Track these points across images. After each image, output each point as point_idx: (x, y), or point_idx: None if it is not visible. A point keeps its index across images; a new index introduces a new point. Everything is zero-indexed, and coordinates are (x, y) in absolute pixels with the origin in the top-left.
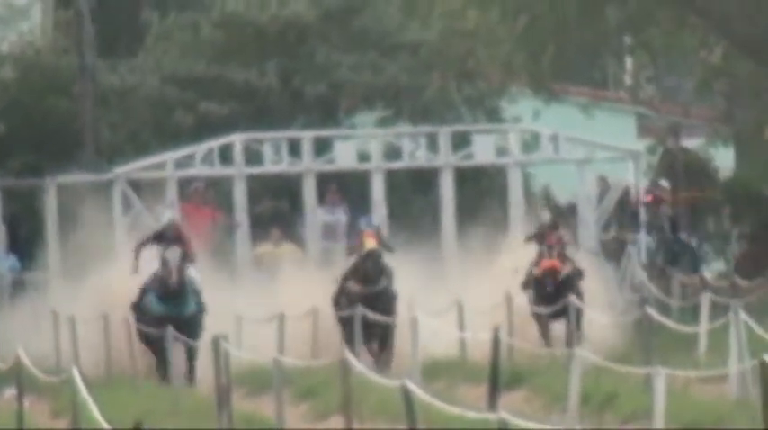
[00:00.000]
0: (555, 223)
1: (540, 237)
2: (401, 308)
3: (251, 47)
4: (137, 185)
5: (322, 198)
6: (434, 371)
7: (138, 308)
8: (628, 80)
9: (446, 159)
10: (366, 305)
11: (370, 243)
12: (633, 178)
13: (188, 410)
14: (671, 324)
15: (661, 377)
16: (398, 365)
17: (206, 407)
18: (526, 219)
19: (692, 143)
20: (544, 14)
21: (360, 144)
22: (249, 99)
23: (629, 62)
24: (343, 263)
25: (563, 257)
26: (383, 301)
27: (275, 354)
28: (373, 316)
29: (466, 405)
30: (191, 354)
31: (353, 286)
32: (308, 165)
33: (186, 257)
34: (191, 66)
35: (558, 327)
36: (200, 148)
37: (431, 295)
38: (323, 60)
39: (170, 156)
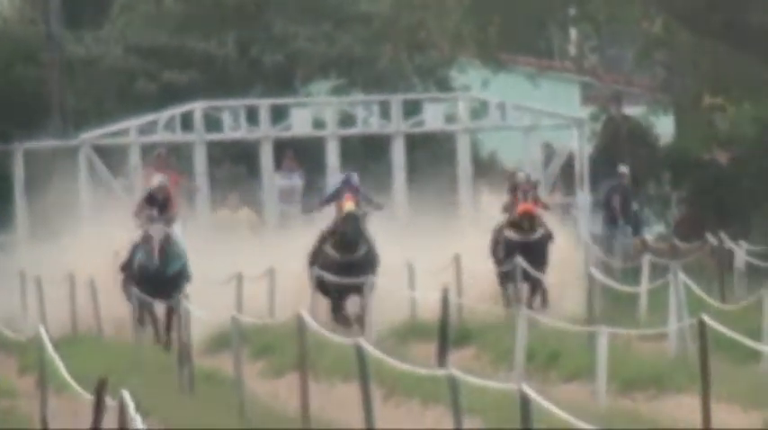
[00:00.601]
0: (529, 180)
1: (513, 189)
2: None
3: (211, 18)
4: (101, 151)
5: (279, 163)
6: (387, 330)
7: (128, 266)
8: (572, 50)
9: (398, 126)
10: (345, 273)
11: (349, 205)
12: (577, 144)
13: (150, 367)
14: (614, 284)
15: (604, 335)
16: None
17: (168, 364)
18: (474, 183)
19: (633, 111)
20: None
21: (315, 111)
22: (209, 68)
23: (573, 33)
24: (299, 226)
25: (537, 204)
26: (364, 269)
27: (233, 313)
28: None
29: (417, 362)
30: (170, 313)
31: (332, 252)
32: (266, 131)
33: (170, 221)
34: (153, 36)
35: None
36: (162, 116)
37: (383, 257)
38: (280, 31)
39: (133, 122)
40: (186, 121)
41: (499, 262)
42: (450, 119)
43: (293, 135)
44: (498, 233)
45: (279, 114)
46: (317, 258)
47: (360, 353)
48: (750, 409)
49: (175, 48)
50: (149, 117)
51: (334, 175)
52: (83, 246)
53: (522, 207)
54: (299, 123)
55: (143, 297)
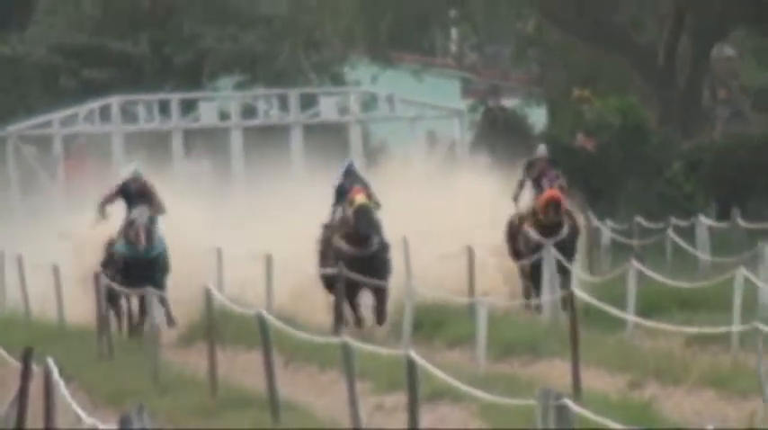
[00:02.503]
0: (552, 159)
1: (531, 167)
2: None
3: (126, 20)
4: (27, 142)
5: (189, 151)
6: (288, 303)
7: (108, 263)
8: (453, 48)
9: (295, 118)
10: (359, 268)
11: (359, 198)
12: (458, 133)
13: (72, 338)
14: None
15: (483, 306)
16: (257, 295)
17: (88, 334)
18: (366, 169)
19: (509, 103)
20: None
21: (221, 104)
22: (125, 66)
23: (454, 32)
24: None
25: (564, 191)
26: (377, 263)
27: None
28: (366, 279)
29: (314, 332)
30: (162, 299)
31: (345, 246)
32: (176, 123)
33: (155, 211)
34: (74, 37)
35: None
36: (82, 109)
37: (284, 235)
38: (189, 32)
39: (56, 115)
40: (104, 114)
41: (519, 255)
42: (343, 110)
43: (201, 126)
44: (516, 225)
45: (188, 107)
46: (327, 253)
47: (262, 324)
48: (616, 373)
49: (94, 47)
50: (71, 110)
51: (237, 163)
52: (11, 230)
53: (548, 193)
54: (207, 115)
55: (117, 289)
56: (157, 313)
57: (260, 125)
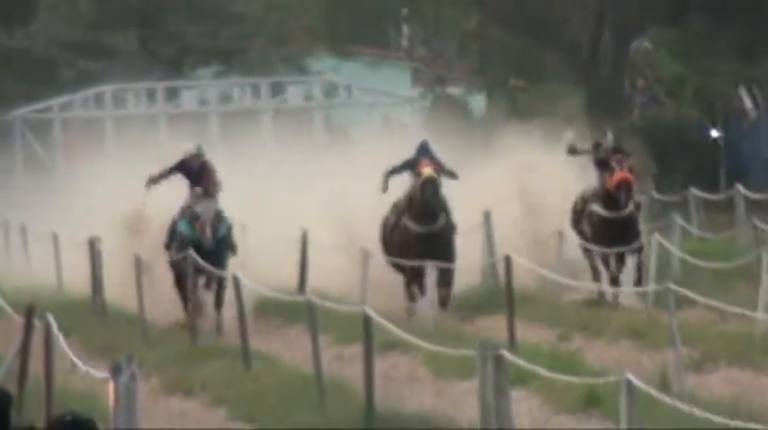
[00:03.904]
0: (619, 146)
1: (602, 162)
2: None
3: (118, 18)
4: (30, 125)
5: (172, 134)
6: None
7: (170, 245)
8: (404, 43)
9: (266, 104)
10: (425, 245)
11: (427, 171)
12: (409, 118)
13: (68, 299)
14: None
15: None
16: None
17: (85, 298)
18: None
19: (454, 91)
20: None
21: (200, 92)
22: (116, 58)
23: (405, 29)
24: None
25: (633, 173)
26: (444, 240)
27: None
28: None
29: (282, 291)
30: (220, 285)
31: (411, 224)
32: (162, 108)
33: (213, 189)
34: (71, 32)
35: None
36: (78, 96)
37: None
38: (173, 29)
39: (55, 102)
40: (98, 101)
41: (585, 236)
42: (308, 98)
43: (183, 111)
44: (582, 206)
45: (172, 94)
46: (393, 232)
47: (236, 284)
48: (547, 328)
49: (89, 41)
50: (68, 97)
51: (217, 143)
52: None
53: (618, 175)
54: (188, 102)
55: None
56: (208, 295)
57: (235, 110)
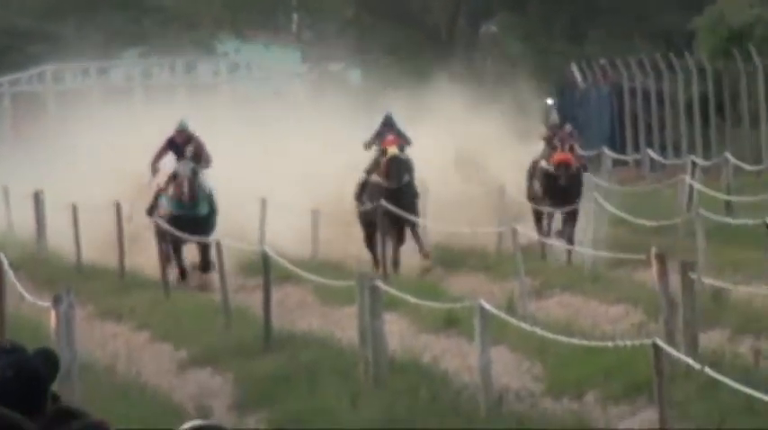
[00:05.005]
0: (562, 122)
1: (549, 136)
2: None
3: (59, 9)
4: None
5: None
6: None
7: (153, 210)
8: (294, 27)
9: (182, 80)
10: (393, 200)
11: (392, 150)
12: (300, 90)
13: (17, 241)
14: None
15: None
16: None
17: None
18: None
19: (336, 67)
20: None
21: (127, 70)
22: (56, 41)
23: (295, 16)
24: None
25: (573, 152)
26: (407, 197)
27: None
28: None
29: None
30: (205, 250)
31: (379, 180)
32: (94, 83)
33: (199, 162)
34: (20, 21)
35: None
36: (24, 74)
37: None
38: (103, 17)
39: (5, 78)
40: (41, 78)
41: (534, 199)
42: (216, 74)
43: (113, 86)
44: (533, 168)
45: (103, 72)
46: (362, 190)
47: (159, 228)
48: (414, 263)
49: (36, 29)
50: (16, 75)
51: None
52: None
53: (559, 157)
54: (117, 78)
55: (170, 244)
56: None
57: (155, 85)
